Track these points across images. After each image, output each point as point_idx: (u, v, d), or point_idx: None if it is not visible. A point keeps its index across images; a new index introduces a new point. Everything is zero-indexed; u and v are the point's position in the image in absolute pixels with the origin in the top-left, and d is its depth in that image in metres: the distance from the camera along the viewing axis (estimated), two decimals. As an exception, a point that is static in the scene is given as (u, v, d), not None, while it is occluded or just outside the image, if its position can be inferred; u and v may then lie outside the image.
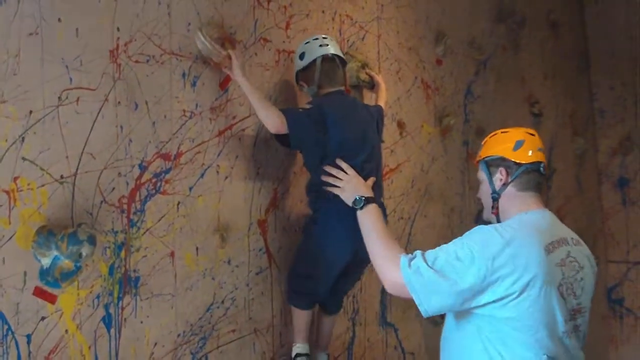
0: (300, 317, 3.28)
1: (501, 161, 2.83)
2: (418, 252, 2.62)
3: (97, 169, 2.56)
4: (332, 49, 3.32)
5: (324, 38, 3.35)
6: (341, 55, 3.38)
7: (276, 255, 3.32)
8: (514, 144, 2.84)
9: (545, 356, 2.57)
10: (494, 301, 2.53)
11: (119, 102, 2.65)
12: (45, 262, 2.37)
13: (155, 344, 2.76)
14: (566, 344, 2.65)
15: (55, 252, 2.36)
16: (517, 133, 2.91)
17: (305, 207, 3.40)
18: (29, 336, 2.33)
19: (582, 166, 6.55)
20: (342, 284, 3.36)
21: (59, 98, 2.44)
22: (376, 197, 3.04)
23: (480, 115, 5.05)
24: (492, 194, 2.84)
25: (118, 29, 2.66)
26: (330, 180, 3.08)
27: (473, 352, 2.65)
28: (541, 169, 2.83)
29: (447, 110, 4.67)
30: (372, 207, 2.93)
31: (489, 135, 2.96)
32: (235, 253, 3.12)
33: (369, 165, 3.20)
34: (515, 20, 5.59)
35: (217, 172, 3.04)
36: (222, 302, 3.04)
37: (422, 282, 2.54)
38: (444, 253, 2.59)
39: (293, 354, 3.28)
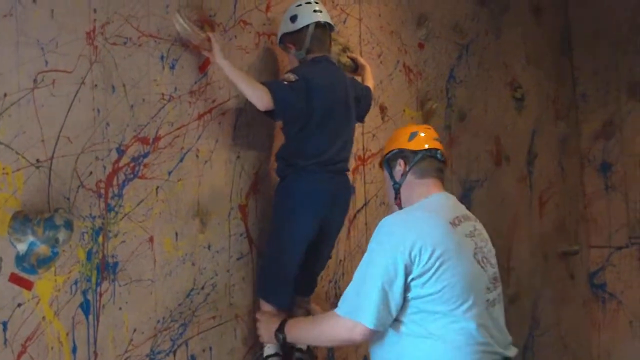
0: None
1: (399, 153, 2.97)
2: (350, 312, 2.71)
3: (74, 153, 2.51)
4: (326, 16, 3.30)
5: (316, 2, 3.29)
6: (331, 23, 3.35)
7: (257, 240, 3.28)
8: (408, 135, 2.99)
9: (474, 323, 2.62)
10: (415, 278, 2.60)
11: (96, 85, 2.60)
12: (21, 247, 2.32)
13: (135, 330, 2.72)
14: (493, 314, 2.72)
15: (31, 238, 2.31)
16: (411, 127, 3.15)
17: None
18: (4, 323, 2.28)
19: (564, 151, 6.54)
20: (313, 262, 3.30)
21: (35, 81, 2.39)
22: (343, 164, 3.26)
23: (462, 99, 5.02)
24: (393, 185, 2.96)
25: (95, 11, 2.60)
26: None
27: (400, 341, 2.69)
28: (438, 155, 2.95)
29: (429, 95, 4.64)
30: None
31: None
32: (216, 238, 3.08)
33: (341, 141, 3.24)
34: (498, 4, 5.56)
35: (197, 156, 3.00)
36: (203, 288, 3.01)
37: (382, 311, 2.63)
38: (365, 278, 2.69)
39: (264, 355, 3.22)
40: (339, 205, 3.31)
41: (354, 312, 2.67)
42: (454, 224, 2.72)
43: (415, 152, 2.93)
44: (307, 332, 2.96)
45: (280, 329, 3.01)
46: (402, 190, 2.94)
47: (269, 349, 3.20)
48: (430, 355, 2.62)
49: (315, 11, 3.26)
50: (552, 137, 6.34)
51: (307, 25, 3.23)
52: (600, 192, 6.74)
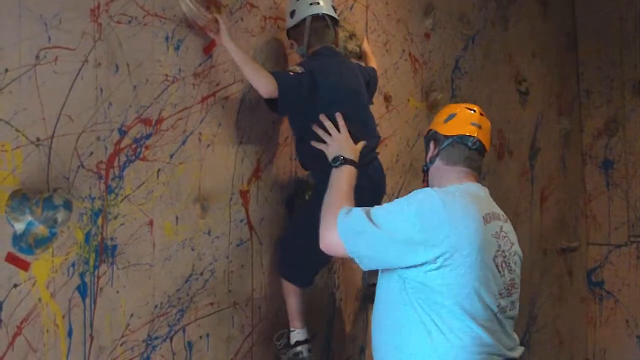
0: (296, 296, 3.21)
1: (434, 134, 2.86)
2: (356, 208, 2.64)
3: (75, 132, 2.47)
4: (324, 8, 3.22)
5: None
6: (333, 14, 3.27)
7: (257, 227, 3.24)
8: (447, 116, 2.86)
9: (480, 325, 2.53)
10: (427, 262, 2.50)
11: (99, 64, 2.55)
12: (19, 227, 2.28)
13: (132, 314, 2.68)
14: (502, 320, 2.63)
15: (29, 217, 2.28)
16: (454, 107, 2.96)
17: (288, 179, 3.36)
18: (0, 304, 2.25)
19: (566, 147, 6.51)
20: None
21: (37, 57, 2.35)
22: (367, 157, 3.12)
23: (467, 91, 4.98)
24: (423, 166, 2.89)
25: (100, -13, 2.56)
26: (320, 133, 3.04)
27: (408, 324, 2.59)
28: (469, 143, 2.79)
29: (434, 85, 4.60)
30: (347, 169, 2.91)
31: None
32: (216, 224, 3.04)
33: (358, 127, 3.16)
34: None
35: (199, 139, 2.95)
36: (201, 273, 2.97)
37: (356, 230, 2.57)
38: (381, 209, 2.61)
39: (292, 342, 3.20)
40: (379, 192, 3.29)
41: (345, 232, 2.60)
42: (485, 219, 2.59)
43: (446, 137, 2.80)
44: (329, 195, 2.84)
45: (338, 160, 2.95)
46: (430, 174, 2.85)
47: (298, 335, 3.20)
48: (435, 349, 2.54)
49: (311, 4, 3.19)
50: (554, 132, 6.31)
51: (304, 19, 3.18)
52: (602, 189, 6.72)
